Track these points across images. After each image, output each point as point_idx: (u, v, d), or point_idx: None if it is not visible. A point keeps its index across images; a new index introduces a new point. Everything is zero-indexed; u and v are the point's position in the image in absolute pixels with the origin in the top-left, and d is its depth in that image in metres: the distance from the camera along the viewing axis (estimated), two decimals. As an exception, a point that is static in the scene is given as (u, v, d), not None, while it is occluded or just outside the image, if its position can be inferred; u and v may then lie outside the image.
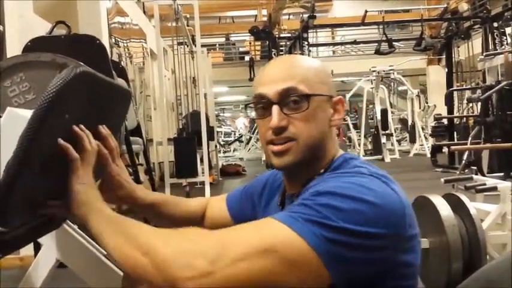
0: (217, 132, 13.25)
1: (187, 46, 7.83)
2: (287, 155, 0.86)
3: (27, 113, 0.74)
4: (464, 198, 2.23)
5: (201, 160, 5.97)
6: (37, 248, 1.79)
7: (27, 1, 3.43)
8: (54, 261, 1.38)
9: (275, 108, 0.85)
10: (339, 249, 0.69)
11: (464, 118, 8.04)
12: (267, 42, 7.89)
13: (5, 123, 0.76)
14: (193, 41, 7.14)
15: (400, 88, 13.79)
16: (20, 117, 0.75)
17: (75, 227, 1.47)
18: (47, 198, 0.82)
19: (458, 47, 8.19)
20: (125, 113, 1.22)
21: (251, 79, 13.81)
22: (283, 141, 0.86)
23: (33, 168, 0.74)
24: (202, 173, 5.94)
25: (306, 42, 6.78)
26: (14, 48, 2.88)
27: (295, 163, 0.87)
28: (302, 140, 0.86)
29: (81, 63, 0.99)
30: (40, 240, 1.40)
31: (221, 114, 20.93)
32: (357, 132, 12.87)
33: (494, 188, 2.48)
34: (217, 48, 16.05)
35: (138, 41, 8.40)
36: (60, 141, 0.80)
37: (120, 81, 3.16)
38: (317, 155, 0.89)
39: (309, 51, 6.75)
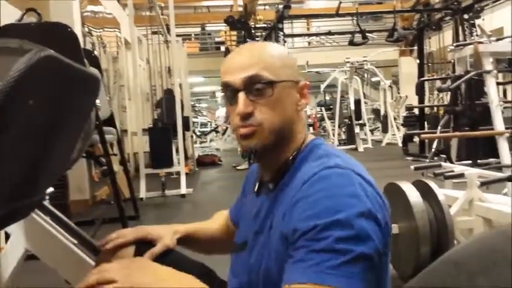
0: (194, 122, 13.17)
1: (162, 36, 7.74)
2: (253, 138, 0.88)
3: None
4: (433, 184, 2.29)
5: (177, 150, 5.94)
6: (8, 239, 1.77)
7: (-6, -13, 3.33)
8: (22, 251, 1.36)
9: (241, 95, 0.87)
10: (359, 274, 0.72)
11: (435, 108, 8.20)
12: (243, 32, 7.86)
13: None
14: (168, 30, 7.06)
15: (373, 79, 13.95)
16: None
17: (46, 217, 1.46)
18: (12, 187, 0.81)
19: (429, 38, 8.33)
20: (94, 100, 1.21)
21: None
22: (249, 126, 0.87)
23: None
24: (178, 163, 5.91)
25: (282, 33, 6.78)
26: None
27: (262, 146, 0.89)
28: (267, 125, 0.87)
29: (47, 48, 0.97)
30: (8, 229, 1.38)
31: (197, 105, 20.80)
32: (331, 122, 13.00)
33: (462, 175, 2.55)
34: (193, 38, 15.91)
35: (112, 30, 8.25)
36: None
37: (93, 71, 3.12)
38: (285, 138, 0.90)
39: (284, 41, 6.75)
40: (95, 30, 7.09)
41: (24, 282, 1.66)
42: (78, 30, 4.76)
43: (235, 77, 0.88)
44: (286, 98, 0.89)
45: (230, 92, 0.90)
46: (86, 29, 6.36)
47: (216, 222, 1.24)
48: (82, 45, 4.60)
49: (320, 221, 0.73)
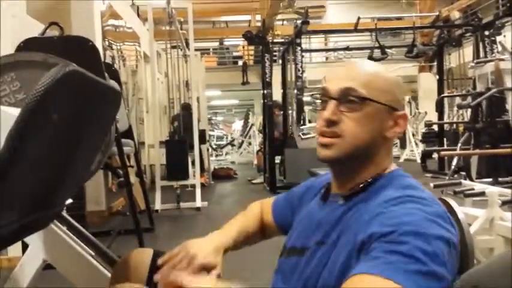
0: (210, 135, 13.22)
1: (181, 50, 7.84)
2: (331, 149, 0.90)
3: (16, 112, 0.74)
4: (452, 202, 2.24)
5: (193, 163, 5.96)
6: (25, 248, 1.78)
7: (21, 2, 3.43)
8: (40, 262, 1.38)
9: (331, 103, 0.91)
10: None
11: (455, 124, 8.09)
12: (260, 47, 7.90)
13: None
14: (187, 44, 7.14)
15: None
16: (8, 115, 0.75)
17: (63, 227, 1.47)
18: (33, 198, 0.82)
19: (449, 54, 8.27)
20: (115, 114, 1.22)
21: (244, 83, 13.84)
22: (331, 135, 0.90)
23: (21, 166, 0.74)
24: (194, 176, 5.93)
25: (299, 48, 6.80)
26: (6, 49, 2.87)
27: (337, 158, 0.91)
28: (348, 138, 0.89)
29: (72, 63, 0.99)
30: (27, 240, 1.39)
31: (214, 118, 20.91)
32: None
33: (482, 193, 2.50)
34: (211, 53, 16.06)
35: (132, 44, 8.39)
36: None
37: (113, 84, 3.16)
38: (363, 157, 0.92)
39: (302, 56, 6.76)
40: (115, 43, 7.22)
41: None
42: (99, 43, 4.84)
43: (333, 86, 0.92)
44: (375, 119, 0.90)
45: (324, 97, 0.93)
46: (107, 43, 6.48)
47: (252, 219, 1.22)
48: (102, 59, 4.68)
49: (400, 228, 0.74)
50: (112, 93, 1.12)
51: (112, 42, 7.07)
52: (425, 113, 11.09)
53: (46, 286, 1.71)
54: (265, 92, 7.23)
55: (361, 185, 0.91)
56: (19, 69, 1.21)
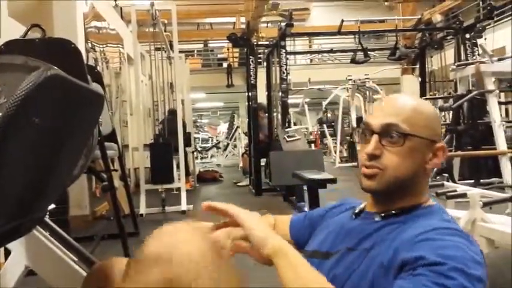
0: (195, 138, 13.18)
1: (165, 52, 7.79)
2: (373, 181, 0.96)
3: None
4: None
5: (178, 166, 5.92)
6: (7, 254, 1.75)
7: (2, 2, 3.37)
8: (23, 268, 1.35)
9: (374, 137, 0.96)
10: None
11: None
12: (245, 49, 7.91)
13: None
14: (171, 46, 7.10)
15: (375, 96, 14.00)
16: None
17: (46, 233, 1.44)
18: (15, 204, 0.81)
19: (431, 57, 8.37)
20: (98, 117, 1.21)
21: (229, 86, 13.82)
22: (373, 167, 0.96)
23: (3, 171, 0.72)
24: (179, 179, 5.90)
25: (284, 50, 6.82)
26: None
27: (379, 190, 0.97)
28: (389, 172, 0.95)
29: (54, 67, 0.97)
30: (9, 246, 1.37)
31: (199, 121, 20.84)
32: (333, 139, 13.00)
33: (464, 195, 2.53)
34: (196, 55, 16.01)
35: (115, 45, 8.31)
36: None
37: (95, 86, 3.13)
38: (404, 189, 0.97)
39: (287, 59, 6.78)
40: (98, 45, 7.14)
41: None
42: (81, 45, 4.80)
43: (376, 121, 0.97)
44: (416, 152, 0.95)
45: (367, 131, 0.98)
46: (90, 45, 6.41)
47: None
48: (85, 61, 4.62)
49: (450, 262, 0.78)
50: (94, 96, 1.11)
51: (95, 44, 6.99)
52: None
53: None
54: (250, 94, 7.23)
55: (399, 209, 0.97)
56: (1, 72, 1.19)
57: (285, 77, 6.73)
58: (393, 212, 0.97)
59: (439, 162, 0.98)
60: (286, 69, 6.73)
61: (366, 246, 0.93)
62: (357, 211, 1.05)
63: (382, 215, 0.98)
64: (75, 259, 1.43)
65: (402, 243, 0.86)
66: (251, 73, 7.12)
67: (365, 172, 0.96)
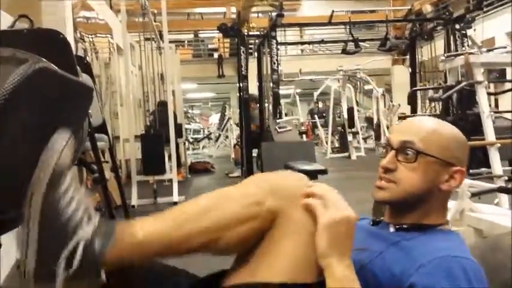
0: (186, 129, 13.15)
1: (155, 42, 7.74)
2: (384, 192, 1.02)
3: None
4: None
5: (169, 157, 5.91)
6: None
7: (-13, -7, 3.32)
8: (14, 261, 1.35)
9: (391, 153, 1.03)
10: None
11: (427, 117, 8.22)
12: (236, 39, 7.87)
13: None
14: (161, 37, 7.05)
15: (366, 87, 14.04)
16: None
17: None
18: (7, 195, 0.81)
19: (421, 47, 8.39)
20: (87, 110, 1.20)
21: (220, 76, 13.77)
22: (387, 180, 1.02)
23: None
24: (171, 170, 5.89)
25: (275, 41, 6.79)
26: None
27: (389, 201, 1.04)
28: (402, 185, 1.00)
29: (43, 59, 0.96)
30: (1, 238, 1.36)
31: (190, 111, 20.77)
32: (324, 130, 13.03)
33: (453, 185, 2.55)
34: (186, 45, 15.92)
35: (104, 35, 8.23)
36: (307, 200, 0.84)
37: (85, 77, 3.09)
38: (416, 206, 1.02)
39: (277, 49, 6.76)
40: (87, 35, 7.07)
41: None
42: (70, 35, 4.73)
43: (395, 137, 1.04)
44: (429, 172, 1.00)
45: (388, 147, 1.05)
46: (78, 35, 6.34)
47: None
48: (74, 51, 4.58)
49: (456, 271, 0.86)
50: (84, 89, 1.10)
51: (84, 34, 6.92)
52: (399, 105, 11.27)
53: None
54: (241, 85, 7.21)
55: (412, 224, 1.02)
56: None
57: (276, 68, 6.71)
58: (405, 226, 1.02)
59: (455, 185, 1.02)
60: (277, 59, 6.71)
61: (380, 250, 0.98)
62: (374, 220, 1.11)
63: (396, 226, 1.03)
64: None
65: (414, 263, 0.90)
66: (242, 64, 7.09)
67: (377, 184, 1.03)
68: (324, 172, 4.26)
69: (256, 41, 8.06)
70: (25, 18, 2.65)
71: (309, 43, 13.52)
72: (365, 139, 13.36)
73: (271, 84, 6.77)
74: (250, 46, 8.27)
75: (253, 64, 7.89)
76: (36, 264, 0.74)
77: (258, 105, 7.48)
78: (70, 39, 4.49)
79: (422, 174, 0.99)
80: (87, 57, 6.52)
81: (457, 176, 1.02)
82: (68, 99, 0.98)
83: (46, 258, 0.75)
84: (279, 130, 5.94)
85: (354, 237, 0.88)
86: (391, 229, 1.04)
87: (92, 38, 7.24)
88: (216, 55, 14.57)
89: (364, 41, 9.74)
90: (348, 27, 8.14)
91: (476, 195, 2.50)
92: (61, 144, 0.81)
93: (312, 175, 4.26)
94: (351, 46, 7.99)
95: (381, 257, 0.96)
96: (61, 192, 0.78)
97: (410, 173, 1.00)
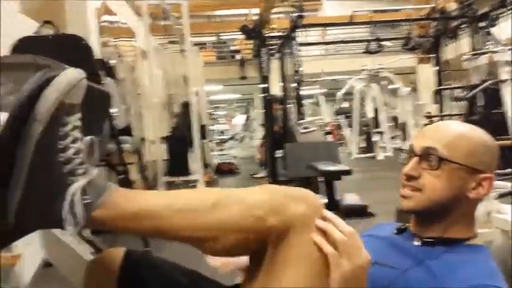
0: (211, 130, 13.23)
1: (179, 45, 7.83)
2: (409, 201, 0.99)
3: (3, 117, 0.75)
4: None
5: (194, 159, 5.97)
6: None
7: (15, 0, 3.42)
8: (40, 260, 1.39)
9: (414, 159, 0.99)
10: None
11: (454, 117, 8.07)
12: (257, 41, 7.89)
13: None
14: (184, 39, 7.13)
15: (391, 86, 13.87)
16: None
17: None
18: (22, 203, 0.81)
19: (446, 45, 8.24)
20: (105, 115, 1.22)
21: (242, 78, 13.80)
22: (410, 188, 0.98)
23: (5, 173, 0.74)
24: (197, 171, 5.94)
25: (295, 42, 6.80)
26: (2, 48, 2.86)
27: (415, 210, 1.00)
28: (427, 193, 0.97)
29: (64, 65, 0.99)
30: (28, 238, 1.41)
31: (215, 113, 20.90)
32: (350, 130, 12.90)
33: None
34: (209, 47, 16.02)
35: (129, 39, 8.36)
36: (315, 237, 0.79)
37: (109, 81, 3.17)
38: (443, 216, 0.98)
39: (298, 50, 6.75)
40: (112, 40, 7.20)
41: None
42: (95, 40, 4.83)
43: (418, 143, 1.00)
44: (455, 179, 0.96)
45: (411, 153, 1.01)
46: (103, 39, 6.47)
47: None
48: (99, 56, 4.67)
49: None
50: (101, 95, 1.13)
51: (109, 38, 7.06)
52: (425, 104, 11.08)
53: (46, 283, 1.73)
54: (263, 86, 7.23)
55: (439, 238, 0.98)
56: (10, 71, 1.21)
57: (297, 69, 6.71)
58: (432, 240, 0.98)
59: (483, 193, 0.97)
60: (298, 60, 6.71)
61: (405, 267, 0.94)
62: (399, 227, 1.07)
63: (423, 240, 0.99)
64: (91, 250, 1.46)
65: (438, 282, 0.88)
66: (263, 65, 7.11)
67: (402, 193, 1.00)
68: (347, 173, 4.23)
69: (278, 42, 8.07)
70: (50, 24, 2.73)
71: (331, 43, 13.42)
72: (392, 138, 13.18)
73: (294, 85, 6.76)
74: (272, 47, 8.27)
75: (276, 65, 7.89)
76: (19, 203, 0.73)
77: (281, 106, 7.48)
78: (94, 43, 4.59)
79: (447, 181, 0.95)
80: (112, 61, 6.64)
81: (485, 183, 0.97)
82: (85, 105, 1.00)
83: (33, 197, 0.74)
84: (302, 131, 5.93)
85: (366, 282, 0.82)
86: (416, 243, 1.00)
87: (116, 42, 7.37)
88: (238, 56, 14.61)
89: (388, 40, 9.64)
90: (370, 26, 8.06)
91: (503, 196, 2.45)
92: (69, 82, 0.79)
93: (336, 176, 4.25)
94: (373, 46, 7.91)
95: (404, 277, 0.92)
96: (61, 133, 0.77)
97: (434, 180, 0.96)
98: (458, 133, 0.98)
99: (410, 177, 0.98)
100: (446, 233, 0.98)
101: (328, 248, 0.79)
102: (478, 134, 1.00)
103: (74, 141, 0.79)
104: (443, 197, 0.96)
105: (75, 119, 0.81)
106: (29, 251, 1.46)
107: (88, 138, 0.88)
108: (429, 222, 0.99)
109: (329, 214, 0.83)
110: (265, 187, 0.83)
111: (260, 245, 0.79)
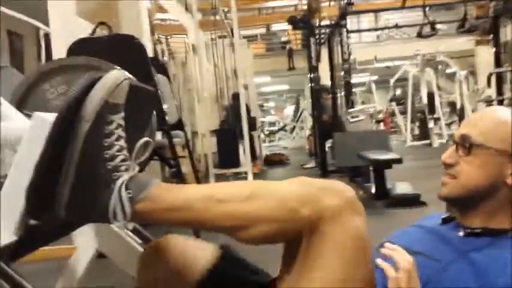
0: (262, 122, 13.31)
1: (228, 38, 7.93)
2: (445, 188, 1.01)
3: (52, 118, 0.81)
4: None
5: (244, 151, 6.06)
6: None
7: (71, 2, 3.59)
8: (93, 251, 1.47)
9: (451, 147, 1.01)
10: None
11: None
12: (306, 31, 7.83)
13: (33, 126, 0.84)
14: (233, 33, 7.21)
15: (447, 70, 13.33)
16: (45, 121, 0.82)
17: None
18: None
19: (505, 26, 7.81)
20: (151, 113, 1.28)
21: (290, 68, 13.75)
22: (448, 176, 1.00)
23: (58, 171, 0.80)
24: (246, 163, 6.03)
25: (345, 29, 6.69)
26: (59, 50, 3.03)
27: (450, 198, 1.01)
28: (462, 181, 0.97)
29: (115, 66, 1.05)
30: (81, 230, 1.49)
31: (265, 104, 20.97)
32: (403, 117, 12.57)
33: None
34: (259, 39, 16.06)
35: (180, 36, 8.56)
36: (379, 262, 0.85)
37: (160, 77, 3.28)
38: (480, 204, 0.97)
39: (348, 37, 6.65)
40: (164, 37, 7.41)
41: (95, 280, 1.80)
42: (147, 39, 5.00)
43: (458, 131, 1.01)
44: (490, 164, 0.96)
45: (453, 141, 1.02)
46: (156, 37, 6.67)
47: None
48: (151, 53, 4.83)
49: None
50: (147, 94, 1.18)
51: (161, 36, 7.27)
52: (484, 88, 10.58)
53: (100, 274, 1.81)
54: (312, 76, 7.18)
55: (483, 229, 0.96)
56: (64, 73, 1.29)
57: (347, 57, 6.61)
58: (476, 231, 0.97)
59: None
60: (348, 48, 6.61)
61: (448, 260, 0.93)
62: (445, 217, 1.06)
63: (467, 231, 0.98)
64: (140, 241, 1.53)
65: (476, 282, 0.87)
66: (312, 55, 7.06)
67: (441, 179, 1.01)
68: (398, 161, 4.15)
69: (327, 30, 7.97)
70: (104, 25, 2.87)
71: (382, 29, 13.08)
72: (448, 125, 12.71)
73: (342, 74, 6.68)
74: (322, 36, 8.18)
75: (326, 54, 7.82)
76: (69, 198, 0.79)
77: (330, 95, 7.42)
78: (147, 42, 4.74)
79: (482, 168, 0.95)
80: (165, 57, 6.84)
81: None
82: (131, 104, 1.06)
83: (81, 193, 0.79)
84: (351, 120, 5.86)
85: None
86: (460, 233, 0.99)
87: (168, 38, 7.57)
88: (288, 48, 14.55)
89: (444, 23, 9.26)
90: (424, 9, 7.78)
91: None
92: (113, 83, 0.84)
93: (385, 164, 4.18)
94: (427, 29, 7.65)
95: (448, 271, 0.92)
96: (106, 132, 0.82)
97: (468, 167, 0.96)
98: (495, 119, 0.97)
99: (447, 165, 0.99)
100: (490, 223, 0.96)
101: (391, 273, 0.83)
102: None
103: (118, 139, 0.84)
104: (477, 184, 0.95)
105: (119, 118, 0.86)
106: (83, 242, 1.53)
107: (143, 140, 0.94)
108: (467, 211, 0.99)
109: (391, 246, 0.87)
110: (299, 179, 0.85)
111: (295, 235, 0.81)
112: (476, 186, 0.95)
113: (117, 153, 0.84)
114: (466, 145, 0.96)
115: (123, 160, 0.84)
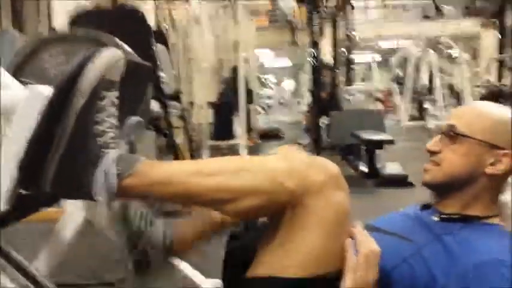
0: (260, 95, 13.21)
1: (231, 10, 7.83)
2: (427, 174, 1.05)
3: (47, 91, 0.84)
4: None
5: (239, 123, 6.08)
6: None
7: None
8: (82, 218, 1.49)
9: (437, 136, 1.07)
10: None
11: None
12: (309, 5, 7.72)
13: (28, 98, 0.86)
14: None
15: (450, 52, 13.22)
16: (40, 94, 0.85)
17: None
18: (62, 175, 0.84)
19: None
20: (146, 87, 1.30)
21: (293, 43, 13.60)
22: (432, 163, 1.05)
23: (49, 144, 0.81)
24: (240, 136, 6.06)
25: (350, 6, 6.63)
26: (61, 21, 3.01)
27: (431, 184, 1.05)
28: (443, 168, 1.02)
29: (114, 38, 1.07)
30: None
31: (264, 78, 20.78)
32: (401, 97, 12.53)
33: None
34: (263, 13, 15.78)
35: (183, 4, 8.43)
36: (347, 243, 0.85)
37: (159, 47, 3.29)
38: (459, 191, 1.02)
39: (352, 14, 6.58)
40: (166, 5, 7.29)
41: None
42: (150, 8, 4.94)
43: (446, 121, 1.06)
44: (472, 154, 1.00)
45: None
46: (157, 3, 6.57)
47: None
48: (153, 23, 4.79)
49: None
50: (142, 69, 1.20)
51: (162, 2, 7.15)
52: (485, 72, 10.52)
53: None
54: (313, 51, 7.15)
55: (457, 214, 1.01)
56: (65, 43, 1.29)
57: (350, 34, 6.58)
58: (450, 216, 1.01)
59: (502, 168, 0.99)
60: (351, 25, 6.56)
61: (422, 242, 0.98)
62: (424, 204, 1.10)
63: (442, 216, 1.02)
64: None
65: (455, 267, 0.91)
66: (314, 30, 7.00)
67: (424, 166, 1.05)
68: (390, 142, 4.21)
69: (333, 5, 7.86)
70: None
71: (385, 7, 12.90)
72: (445, 107, 12.70)
73: (343, 50, 6.65)
74: (324, 10, 8.08)
75: (329, 30, 7.74)
76: (55, 172, 0.80)
77: (330, 72, 7.39)
78: (150, 13, 4.69)
79: (464, 156, 1.00)
80: (165, 26, 6.76)
81: (504, 159, 0.98)
82: (127, 79, 1.08)
83: (68, 168, 0.81)
84: (347, 97, 5.88)
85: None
86: (435, 218, 1.03)
87: (170, 7, 7.45)
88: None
89: (448, 5, 9.17)
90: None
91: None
92: (109, 60, 0.85)
93: (377, 144, 4.24)
94: (432, 11, 7.58)
95: (421, 252, 0.96)
96: (98, 107, 0.84)
97: (452, 155, 1.01)
98: (480, 111, 1.03)
99: (432, 153, 1.04)
100: (465, 210, 1.01)
101: (352, 256, 0.84)
102: (502, 112, 1.03)
103: (109, 116, 0.86)
104: (458, 172, 1.00)
105: (112, 95, 0.88)
106: (71, 208, 1.52)
107: (134, 119, 0.95)
108: (445, 197, 1.04)
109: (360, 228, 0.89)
110: (287, 154, 0.89)
111: (279, 208, 0.85)
112: (458, 173, 1.00)
113: (108, 130, 0.85)
114: (451, 134, 1.01)
115: (113, 138, 0.86)
